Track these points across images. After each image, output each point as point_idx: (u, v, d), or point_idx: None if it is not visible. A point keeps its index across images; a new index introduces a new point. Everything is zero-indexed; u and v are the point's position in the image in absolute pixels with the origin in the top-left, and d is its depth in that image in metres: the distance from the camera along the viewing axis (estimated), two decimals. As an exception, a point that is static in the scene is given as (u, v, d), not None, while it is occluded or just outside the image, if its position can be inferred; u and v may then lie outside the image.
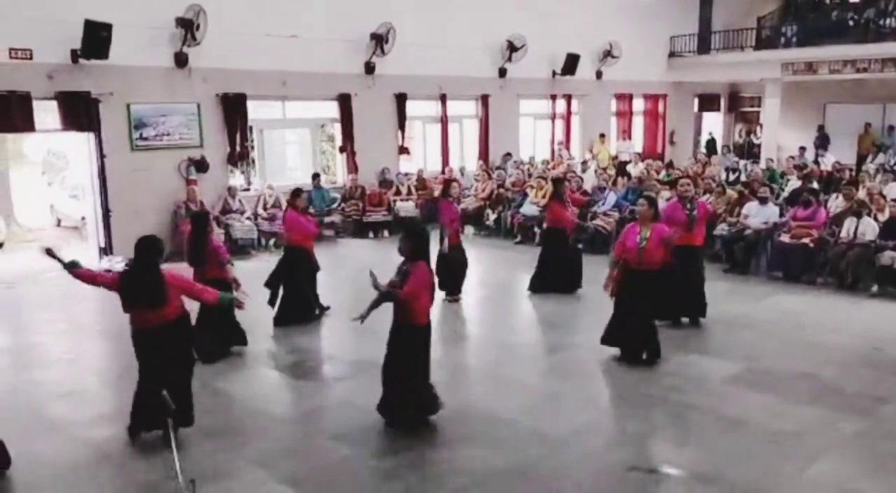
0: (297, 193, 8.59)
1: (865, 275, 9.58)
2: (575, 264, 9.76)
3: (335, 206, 13.81)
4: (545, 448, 5.36)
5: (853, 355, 7.27)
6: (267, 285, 8.42)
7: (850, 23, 18.57)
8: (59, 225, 15.75)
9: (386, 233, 13.94)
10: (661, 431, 5.78)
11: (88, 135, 11.27)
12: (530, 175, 14.98)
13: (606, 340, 7.11)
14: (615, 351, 7.16)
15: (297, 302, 8.45)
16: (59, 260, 5.39)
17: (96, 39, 10.53)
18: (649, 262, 6.77)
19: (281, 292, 8.41)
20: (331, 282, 9.70)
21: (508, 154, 16.72)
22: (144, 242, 5.30)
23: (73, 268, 5.38)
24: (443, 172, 15.73)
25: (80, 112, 10.93)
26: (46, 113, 10.85)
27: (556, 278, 9.62)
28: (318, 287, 8.71)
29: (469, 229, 13.97)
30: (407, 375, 5.56)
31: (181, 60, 11.87)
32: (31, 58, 10.46)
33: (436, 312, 9.12)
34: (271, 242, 12.76)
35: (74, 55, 10.72)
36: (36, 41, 10.45)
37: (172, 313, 5.28)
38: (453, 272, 9.28)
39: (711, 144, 22.10)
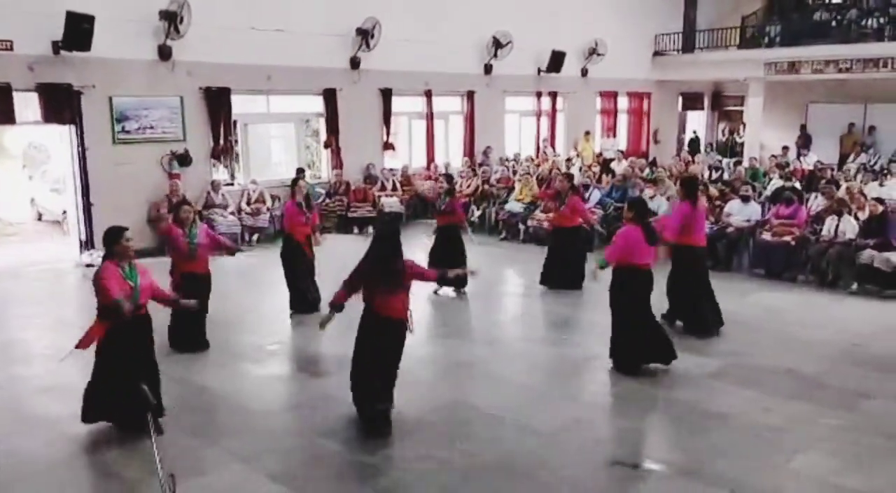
0: (293, 182, 8.78)
1: (846, 273, 9.68)
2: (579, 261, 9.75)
3: (320, 201, 13.77)
4: (532, 443, 5.37)
5: (835, 351, 7.35)
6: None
7: (833, 23, 18.74)
8: (39, 219, 15.57)
9: (370, 229, 13.88)
10: (647, 426, 5.81)
11: (70, 128, 11.14)
12: (515, 172, 15.00)
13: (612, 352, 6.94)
14: (602, 348, 7.18)
15: (294, 294, 8.58)
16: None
17: (78, 31, 10.39)
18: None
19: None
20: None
21: (489, 148, 16.74)
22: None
23: None
24: (428, 168, 15.75)
25: (61, 105, 10.81)
26: (27, 105, 10.71)
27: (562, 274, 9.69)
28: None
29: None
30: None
31: (165, 53, 11.76)
32: (11, 49, 10.32)
33: (423, 308, 9.19)
34: (254, 237, 12.69)
35: (56, 47, 10.59)
36: (17, 32, 10.31)
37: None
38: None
39: (695, 142, 22.23)
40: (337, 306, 5.54)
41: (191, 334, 7.28)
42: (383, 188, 14.48)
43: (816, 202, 11.18)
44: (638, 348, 6.70)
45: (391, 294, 5.38)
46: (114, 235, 5.43)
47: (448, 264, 9.30)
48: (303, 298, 8.56)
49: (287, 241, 8.62)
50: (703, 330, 7.75)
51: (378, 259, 5.41)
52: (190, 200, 11.82)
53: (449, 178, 10.18)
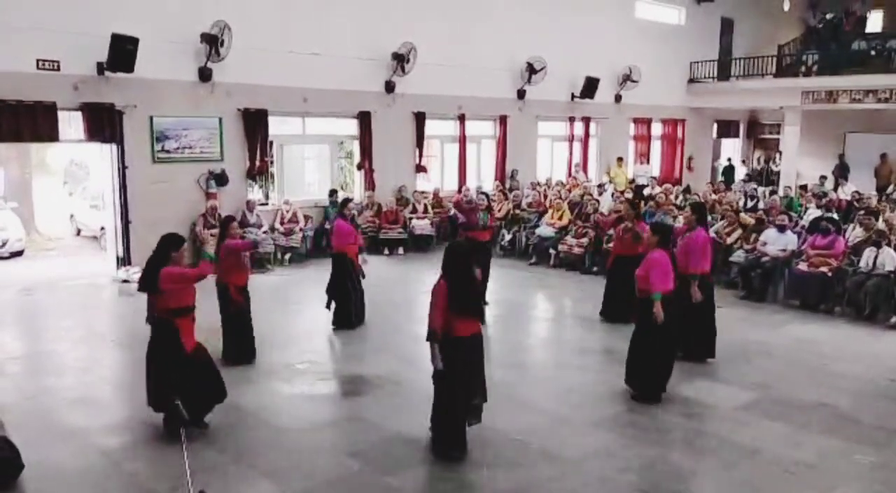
0: (345, 202, 9.15)
1: (884, 306, 9.48)
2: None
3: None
4: (556, 470, 5.32)
5: (870, 385, 7.19)
6: (326, 291, 9.00)
7: (872, 53, 18.54)
8: (78, 234, 15.91)
9: (401, 250, 13.98)
10: (674, 457, 5.70)
11: (111, 146, 11.40)
12: (546, 196, 15.01)
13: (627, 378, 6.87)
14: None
15: (339, 309, 8.89)
16: None
17: (122, 53, 10.68)
18: (641, 289, 6.57)
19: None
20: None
21: (516, 171, 16.80)
22: None
23: None
24: (459, 191, 15.80)
25: (103, 123, 11.08)
26: (71, 123, 11.01)
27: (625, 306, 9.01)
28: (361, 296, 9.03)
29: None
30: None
31: (205, 75, 12.03)
32: (58, 69, 10.64)
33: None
34: (287, 256, 12.82)
35: (100, 68, 10.89)
36: (63, 53, 10.63)
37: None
38: None
39: (729, 170, 21.95)
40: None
41: None
42: (415, 211, 14.56)
43: (854, 233, 10.99)
44: (664, 375, 6.69)
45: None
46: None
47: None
48: (344, 313, 8.85)
49: (336, 257, 8.91)
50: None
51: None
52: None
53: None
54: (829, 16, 20.04)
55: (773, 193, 15.64)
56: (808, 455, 5.58)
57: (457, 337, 5.34)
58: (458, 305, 5.30)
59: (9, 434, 5.20)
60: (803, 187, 15.44)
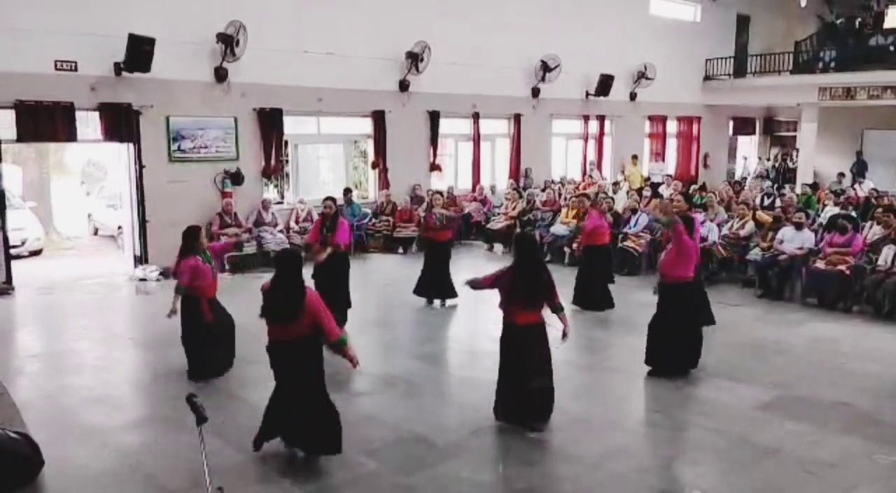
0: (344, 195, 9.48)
1: (903, 304, 9.38)
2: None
3: (366, 221, 13.95)
4: (574, 470, 5.30)
5: (889, 384, 7.11)
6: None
7: (891, 48, 18.34)
8: (96, 234, 16.06)
9: (415, 248, 13.99)
10: (691, 457, 5.68)
11: (128, 146, 11.49)
12: (560, 195, 14.96)
13: (648, 360, 7.25)
14: (645, 373, 7.13)
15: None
16: None
17: (139, 53, 10.75)
18: (665, 275, 7.14)
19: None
20: (358, 295, 9.71)
21: (529, 169, 16.78)
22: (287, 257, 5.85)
23: None
24: (473, 190, 15.85)
25: (120, 123, 11.16)
26: (88, 124, 11.08)
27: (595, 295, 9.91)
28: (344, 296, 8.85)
29: (498, 247, 13.99)
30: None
31: (220, 75, 12.08)
32: (75, 70, 10.73)
33: (458, 328, 9.19)
34: (303, 255, 12.82)
35: (117, 68, 10.96)
36: (81, 54, 10.71)
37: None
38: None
39: (783, 170, 21.49)
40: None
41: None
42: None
43: (872, 231, 10.87)
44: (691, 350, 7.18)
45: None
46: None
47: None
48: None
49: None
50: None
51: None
52: (241, 218, 12.24)
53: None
54: (861, 15, 19.81)
55: (780, 188, 15.50)
56: (827, 455, 5.53)
57: (513, 323, 5.92)
58: (518, 292, 5.82)
59: (29, 432, 5.25)
60: (812, 186, 15.24)
